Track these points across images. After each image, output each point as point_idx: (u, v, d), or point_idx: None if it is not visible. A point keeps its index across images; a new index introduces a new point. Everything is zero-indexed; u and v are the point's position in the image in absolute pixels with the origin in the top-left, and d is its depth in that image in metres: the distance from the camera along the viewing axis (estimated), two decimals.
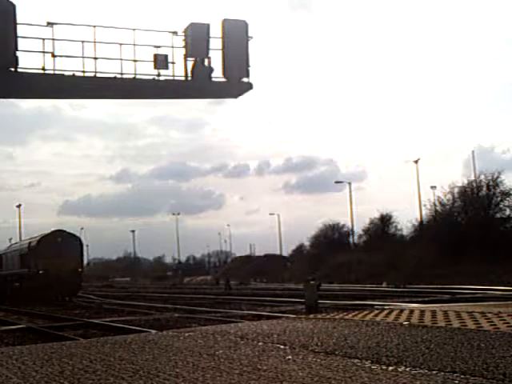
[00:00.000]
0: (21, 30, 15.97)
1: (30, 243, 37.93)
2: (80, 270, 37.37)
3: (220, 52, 17.94)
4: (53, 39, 16.18)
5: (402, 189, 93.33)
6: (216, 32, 17.89)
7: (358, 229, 62.86)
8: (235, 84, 18.18)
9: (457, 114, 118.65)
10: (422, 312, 7.35)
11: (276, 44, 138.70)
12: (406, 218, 76.57)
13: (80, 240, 38.74)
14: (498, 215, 46.41)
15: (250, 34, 18.16)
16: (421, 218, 52.68)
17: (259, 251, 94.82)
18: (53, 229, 40.94)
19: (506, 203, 46.01)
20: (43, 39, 16.11)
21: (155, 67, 17.32)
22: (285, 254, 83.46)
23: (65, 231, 38.33)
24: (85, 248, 40.68)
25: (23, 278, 36.89)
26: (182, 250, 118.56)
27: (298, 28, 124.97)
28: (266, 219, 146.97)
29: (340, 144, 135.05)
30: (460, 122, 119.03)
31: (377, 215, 60.44)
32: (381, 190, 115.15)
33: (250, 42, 18.12)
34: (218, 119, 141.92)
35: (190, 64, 17.77)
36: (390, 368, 3.99)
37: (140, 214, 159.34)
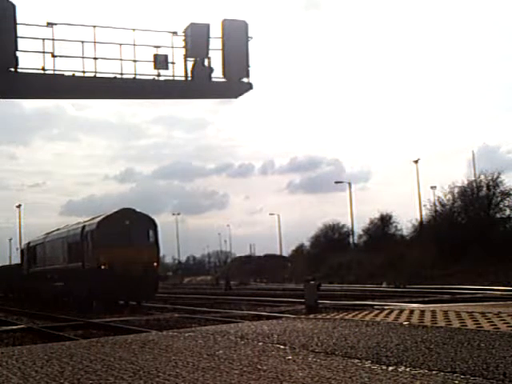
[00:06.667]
0: (21, 30, 15.98)
1: (83, 227, 27.82)
2: (156, 263, 27.41)
3: (220, 52, 17.94)
4: (53, 39, 16.19)
5: (407, 189, 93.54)
6: (216, 32, 17.90)
7: (359, 229, 62.91)
8: (235, 84, 18.18)
9: (464, 114, 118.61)
10: (422, 312, 7.35)
11: (282, 44, 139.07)
12: (407, 218, 76.51)
13: (154, 222, 27.91)
14: (498, 215, 46.40)
15: (252, 34, 18.15)
16: (421, 218, 52.72)
17: (259, 251, 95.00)
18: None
19: (506, 203, 46.02)
20: (43, 39, 16.11)
21: (155, 67, 17.32)
22: (285, 254, 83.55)
23: (135, 210, 27.79)
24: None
25: (73, 276, 27.64)
26: (184, 250, 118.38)
27: (306, 27, 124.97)
28: (268, 219, 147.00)
29: (346, 144, 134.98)
30: (467, 121, 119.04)
31: (377, 215, 60.55)
32: (385, 190, 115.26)
33: (251, 42, 18.13)
34: (221, 119, 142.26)
35: (190, 64, 17.77)
36: (390, 368, 3.99)
37: None
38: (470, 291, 27.05)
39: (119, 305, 26.40)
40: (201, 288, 56.61)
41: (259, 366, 4.22)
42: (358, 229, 62.87)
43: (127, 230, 26.29)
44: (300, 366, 4.20)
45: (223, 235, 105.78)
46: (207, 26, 17.82)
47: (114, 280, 24.59)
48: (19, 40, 15.90)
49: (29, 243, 37.23)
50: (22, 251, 38.98)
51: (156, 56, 17.32)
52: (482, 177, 46.98)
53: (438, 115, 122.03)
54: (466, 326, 5.90)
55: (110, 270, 25.21)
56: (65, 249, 29.48)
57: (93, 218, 28.66)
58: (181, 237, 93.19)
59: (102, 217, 27.54)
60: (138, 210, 27.96)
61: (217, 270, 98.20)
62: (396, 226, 59.94)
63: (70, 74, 16.50)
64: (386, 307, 10.58)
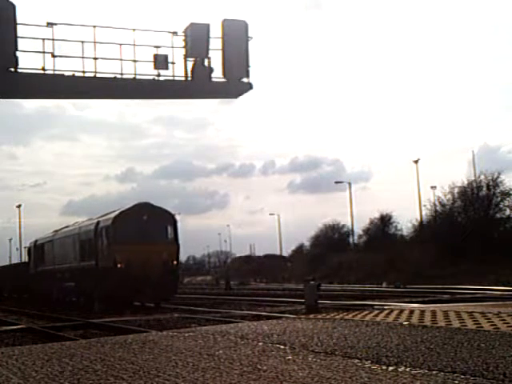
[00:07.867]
0: (21, 31, 15.96)
1: (97, 224, 25.90)
2: (175, 262, 25.73)
3: (220, 52, 17.94)
4: (53, 39, 16.18)
5: (407, 189, 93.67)
6: (216, 32, 17.91)
7: (359, 229, 62.92)
8: (235, 84, 18.18)
9: (464, 114, 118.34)
10: (422, 312, 7.35)
11: (282, 44, 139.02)
12: (407, 218, 76.55)
13: (174, 217, 26.40)
14: (498, 215, 46.42)
15: (252, 34, 18.14)
16: (421, 218, 52.73)
17: (259, 251, 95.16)
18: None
19: (506, 203, 46.03)
20: (43, 39, 16.10)
21: (155, 67, 17.32)
22: (285, 254, 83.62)
23: (152, 205, 26.00)
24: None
25: (85, 276, 25.93)
26: (184, 250, 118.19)
27: (306, 27, 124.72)
28: (268, 219, 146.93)
29: (346, 144, 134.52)
30: (468, 121, 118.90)
31: (377, 215, 60.59)
32: (385, 190, 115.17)
33: (251, 42, 18.12)
34: (221, 119, 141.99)
35: (190, 64, 17.77)
36: (390, 368, 3.99)
37: None
38: (469, 291, 27.04)
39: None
40: (201, 288, 56.63)
41: (259, 366, 4.22)
42: (358, 229, 62.96)
43: (145, 226, 24.49)
44: (300, 366, 4.20)
45: (223, 235, 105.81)
46: (207, 26, 17.82)
47: (131, 280, 23.09)
48: (19, 40, 15.90)
49: (36, 241, 35.38)
50: (28, 249, 37.51)
51: (156, 56, 17.32)
52: (482, 177, 47.06)
53: (438, 115, 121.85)
54: (466, 326, 5.90)
55: (126, 269, 23.60)
56: (76, 247, 27.64)
57: (109, 213, 26.62)
58: (181, 237, 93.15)
59: (117, 212, 25.57)
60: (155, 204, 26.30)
61: (217, 270, 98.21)
62: (396, 226, 60.06)
63: (70, 73, 16.49)
64: (385, 307, 10.58)
